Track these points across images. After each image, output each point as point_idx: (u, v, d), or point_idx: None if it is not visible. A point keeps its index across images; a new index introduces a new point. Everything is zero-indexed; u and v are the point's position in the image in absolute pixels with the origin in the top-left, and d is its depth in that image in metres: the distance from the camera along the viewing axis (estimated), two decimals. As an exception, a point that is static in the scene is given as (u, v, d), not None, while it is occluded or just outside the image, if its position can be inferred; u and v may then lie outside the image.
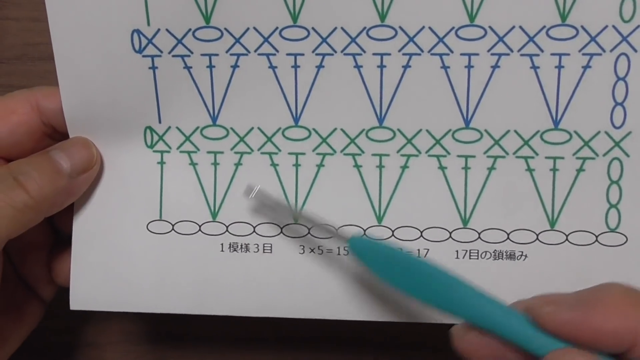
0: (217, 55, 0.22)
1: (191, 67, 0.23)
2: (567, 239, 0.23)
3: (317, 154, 0.23)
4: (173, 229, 0.24)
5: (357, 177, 0.23)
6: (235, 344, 0.31)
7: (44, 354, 0.31)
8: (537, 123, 0.22)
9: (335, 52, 0.22)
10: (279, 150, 0.23)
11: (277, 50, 0.22)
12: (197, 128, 0.23)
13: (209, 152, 0.23)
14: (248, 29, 0.22)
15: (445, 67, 0.22)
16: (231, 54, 0.22)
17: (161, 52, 0.22)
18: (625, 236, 0.22)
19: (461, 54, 0.22)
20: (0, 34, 0.29)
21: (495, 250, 0.23)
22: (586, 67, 0.22)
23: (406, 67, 0.22)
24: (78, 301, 0.24)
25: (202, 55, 0.22)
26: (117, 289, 0.24)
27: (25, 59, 0.29)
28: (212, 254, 0.24)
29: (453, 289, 0.19)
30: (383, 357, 0.30)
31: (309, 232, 0.23)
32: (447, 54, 0.22)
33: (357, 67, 0.22)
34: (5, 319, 0.24)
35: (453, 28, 0.22)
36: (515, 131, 0.22)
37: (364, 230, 0.23)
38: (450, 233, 0.23)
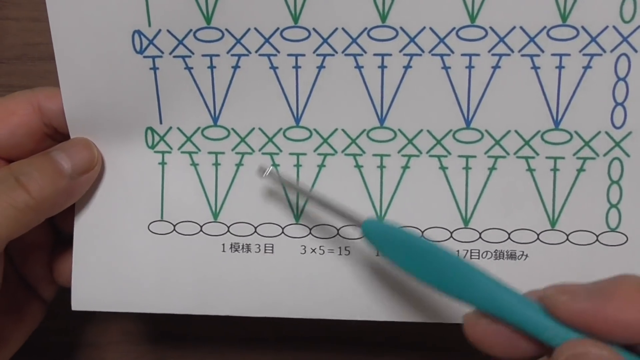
0: (218, 55, 0.23)
1: (192, 68, 0.23)
2: (567, 239, 0.23)
3: (318, 154, 0.23)
4: (174, 229, 0.24)
5: (358, 177, 0.23)
6: (235, 344, 0.31)
7: (44, 354, 0.31)
8: (538, 123, 0.22)
9: (336, 52, 0.22)
10: (280, 150, 0.23)
11: (278, 51, 0.22)
12: (198, 128, 0.23)
13: (210, 153, 0.24)
14: (249, 29, 0.22)
15: (446, 68, 0.22)
16: (232, 55, 0.22)
17: (162, 52, 0.23)
18: (626, 236, 0.23)
19: (462, 55, 0.22)
20: (0, 34, 0.29)
21: (496, 250, 0.23)
22: (587, 67, 0.22)
23: (407, 67, 0.22)
24: (80, 302, 0.24)
25: (203, 55, 0.23)
26: (118, 290, 0.24)
27: (25, 59, 0.29)
28: (214, 254, 0.24)
29: (466, 274, 0.19)
30: (383, 357, 0.30)
31: (310, 233, 0.24)
32: (448, 55, 0.22)
33: (358, 67, 0.22)
34: (7, 320, 0.25)
35: (454, 28, 0.22)
36: (516, 131, 0.22)
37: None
38: (451, 233, 0.23)
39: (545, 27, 0.21)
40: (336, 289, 0.23)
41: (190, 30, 0.22)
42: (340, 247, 0.23)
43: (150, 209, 0.24)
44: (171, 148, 0.24)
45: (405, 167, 0.23)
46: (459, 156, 0.23)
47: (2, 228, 0.21)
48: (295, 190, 0.23)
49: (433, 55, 0.22)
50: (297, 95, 0.23)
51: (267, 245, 0.24)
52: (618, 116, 0.22)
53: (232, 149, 0.23)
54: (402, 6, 0.22)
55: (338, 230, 0.23)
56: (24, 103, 0.23)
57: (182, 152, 0.24)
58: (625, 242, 0.23)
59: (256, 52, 0.22)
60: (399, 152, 0.23)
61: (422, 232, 0.23)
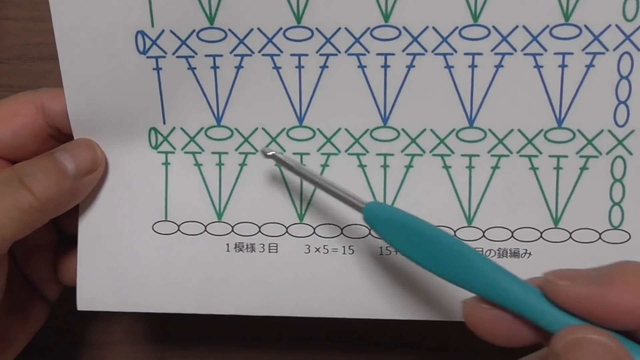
0: (221, 56, 0.23)
1: (195, 68, 0.23)
2: (570, 237, 0.23)
3: (322, 154, 0.23)
4: (179, 229, 0.24)
5: (361, 176, 0.23)
6: (235, 344, 0.31)
7: (45, 354, 0.31)
8: (541, 122, 0.22)
9: (339, 52, 0.22)
10: (284, 150, 0.23)
11: (281, 51, 0.23)
12: (202, 129, 0.24)
13: (213, 153, 0.24)
14: (252, 29, 0.22)
15: (449, 67, 0.22)
16: (235, 55, 0.23)
17: (165, 53, 0.23)
18: (629, 233, 0.23)
19: (465, 54, 0.22)
20: (0, 34, 0.29)
21: (499, 248, 0.23)
22: (589, 66, 0.22)
23: (410, 67, 0.22)
24: (85, 302, 0.24)
25: (206, 56, 0.23)
26: (123, 290, 0.24)
27: (25, 59, 0.29)
28: (218, 254, 0.24)
29: (466, 259, 0.19)
30: (383, 357, 0.30)
31: (314, 232, 0.24)
32: (451, 54, 0.22)
33: (361, 67, 0.23)
34: (11, 320, 0.25)
35: (457, 28, 0.22)
36: (519, 130, 0.23)
37: (369, 230, 0.23)
38: (455, 232, 0.23)
39: (548, 26, 0.22)
40: (340, 288, 0.24)
41: (194, 30, 0.22)
42: (344, 246, 0.24)
43: (154, 209, 0.24)
44: (175, 148, 0.24)
45: (409, 167, 0.23)
46: (462, 155, 0.23)
47: (6, 229, 0.21)
48: (297, 173, 0.22)
49: (436, 54, 0.22)
50: (300, 95, 0.23)
51: (271, 245, 0.24)
52: (621, 114, 0.22)
53: (236, 149, 0.24)
54: (405, 6, 0.22)
55: (342, 229, 0.24)
56: (27, 104, 0.23)
57: (185, 153, 0.24)
58: (628, 240, 0.23)
59: (259, 52, 0.23)
60: (402, 151, 0.23)
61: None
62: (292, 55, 0.23)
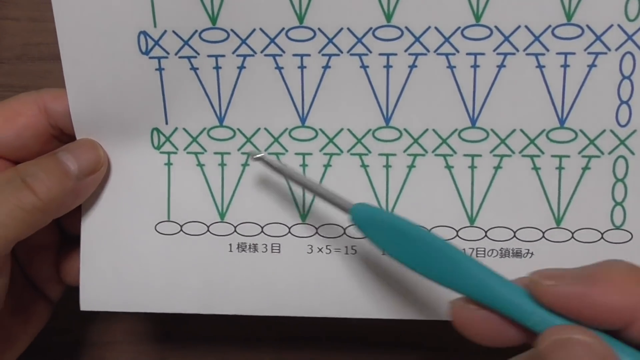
0: (223, 56, 0.23)
1: (198, 68, 0.23)
2: (572, 237, 0.23)
3: (324, 154, 0.24)
4: (181, 229, 0.24)
5: (364, 177, 0.24)
6: (235, 344, 0.31)
7: (46, 354, 0.31)
8: (543, 122, 0.23)
9: (342, 52, 0.23)
10: (286, 150, 0.24)
11: (284, 51, 0.23)
12: (204, 129, 0.24)
13: (215, 153, 0.24)
14: (254, 30, 0.23)
15: (451, 67, 0.22)
16: (237, 55, 0.23)
17: (168, 53, 0.23)
18: (631, 233, 0.23)
19: (467, 54, 0.22)
20: (0, 34, 0.29)
21: (501, 248, 0.23)
22: (592, 66, 0.22)
23: (412, 67, 0.23)
24: (88, 302, 0.25)
25: (208, 56, 0.23)
26: (126, 290, 0.24)
27: (25, 59, 0.30)
28: (221, 254, 0.24)
29: (452, 260, 0.19)
30: (383, 357, 0.31)
31: (316, 232, 0.24)
32: (453, 54, 0.22)
33: (364, 67, 0.23)
34: (14, 320, 0.25)
35: (459, 28, 0.22)
36: (521, 130, 0.23)
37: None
38: (457, 232, 0.24)
39: (550, 26, 0.22)
40: (343, 288, 0.24)
41: (196, 30, 0.23)
42: (346, 247, 0.24)
43: (156, 210, 0.24)
44: (177, 149, 0.24)
45: (411, 167, 0.23)
46: (465, 155, 0.23)
47: (10, 229, 0.21)
48: (283, 175, 0.22)
49: (438, 54, 0.22)
50: (302, 95, 0.23)
51: (273, 245, 0.24)
52: (623, 114, 0.22)
53: (238, 149, 0.24)
54: (407, 6, 0.22)
55: (344, 229, 0.24)
56: (30, 104, 0.23)
57: (188, 153, 0.24)
58: (630, 240, 0.23)
59: (262, 52, 0.23)
60: (404, 151, 0.23)
61: (429, 231, 0.23)
62: (294, 55, 0.23)
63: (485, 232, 0.23)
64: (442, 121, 0.23)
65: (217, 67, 0.23)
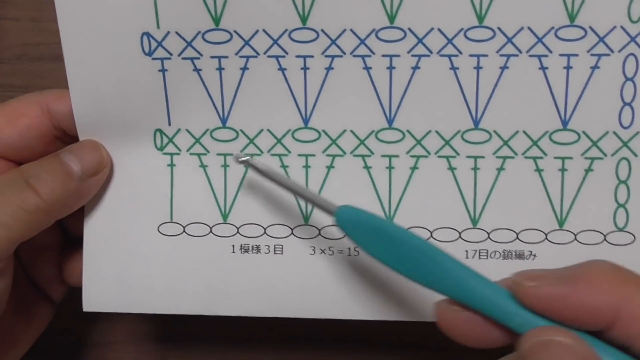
0: (226, 57, 0.23)
1: (201, 70, 0.23)
2: (575, 239, 0.23)
3: (327, 155, 0.24)
4: (184, 231, 0.25)
5: (366, 178, 0.24)
6: (235, 344, 0.31)
7: (45, 354, 0.31)
8: (546, 123, 0.23)
9: (345, 53, 0.23)
10: (289, 151, 0.24)
11: (287, 52, 0.23)
12: (207, 130, 0.24)
13: (218, 154, 0.24)
14: (257, 31, 0.23)
15: (454, 68, 0.23)
16: (241, 56, 0.23)
17: (171, 54, 0.23)
18: (633, 235, 0.23)
19: (470, 55, 0.23)
20: (0, 34, 0.30)
21: (504, 250, 0.24)
22: (594, 67, 0.22)
23: (415, 68, 0.23)
24: (90, 303, 0.25)
25: (211, 57, 0.23)
26: (129, 291, 0.25)
27: (25, 59, 0.30)
28: (224, 256, 0.24)
29: (436, 262, 0.19)
30: (383, 357, 0.31)
31: (319, 234, 0.24)
32: (456, 55, 0.23)
33: (367, 68, 0.23)
34: (16, 321, 0.25)
35: (462, 29, 0.22)
36: (524, 132, 0.23)
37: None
38: (460, 233, 0.24)
39: (553, 27, 0.22)
40: (346, 290, 0.24)
41: (199, 32, 0.23)
42: (349, 248, 0.24)
43: (159, 211, 0.25)
44: (180, 150, 0.24)
45: (414, 168, 0.24)
46: (468, 157, 0.23)
47: (13, 230, 0.21)
48: (268, 177, 0.23)
49: (441, 56, 0.23)
50: (305, 97, 0.23)
51: (276, 246, 0.24)
52: (626, 116, 0.23)
53: (241, 151, 0.24)
54: (410, 7, 0.22)
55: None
56: (33, 105, 0.24)
57: (190, 154, 0.24)
58: (632, 242, 0.23)
59: (265, 53, 0.23)
60: (407, 152, 0.24)
61: (431, 232, 0.24)
62: (297, 56, 0.23)
63: (488, 233, 0.24)
64: (445, 123, 0.23)
65: (220, 68, 0.23)
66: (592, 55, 0.22)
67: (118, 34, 0.23)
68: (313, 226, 0.24)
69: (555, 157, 0.23)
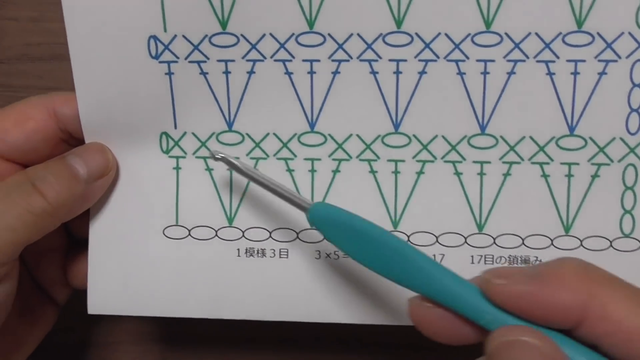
0: (233, 61, 0.24)
1: (207, 73, 0.24)
2: (581, 244, 0.24)
3: (333, 159, 0.25)
4: (189, 234, 0.25)
5: (372, 182, 0.24)
6: (235, 344, 0.32)
7: (47, 354, 0.32)
8: (553, 129, 0.23)
9: (351, 58, 0.24)
10: (295, 155, 0.25)
11: (293, 56, 0.24)
12: (213, 133, 0.25)
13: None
14: (264, 35, 0.23)
15: (461, 73, 0.23)
16: (247, 60, 0.24)
17: (177, 58, 0.24)
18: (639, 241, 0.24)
19: (477, 60, 0.23)
20: (0, 34, 0.30)
21: (510, 255, 0.24)
22: (602, 73, 0.23)
23: (422, 73, 0.23)
24: (95, 306, 0.25)
25: (218, 61, 0.24)
26: (133, 294, 0.25)
27: (25, 59, 0.30)
28: (229, 259, 0.25)
29: (407, 259, 0.19)
30: (382, 357, 0.31)
31: (325, 237, 0.25)
32: (463, 60, 0.23)
33: (373, 73, 0.24)
34: (21, 323, 0.26)
35: (469, 34, 0.23)
36: (531, 137, 0.24)
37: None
38: (466, 238, 0.24)
39: (560, 33, 0.23)
40: (351, 294, 0.25)
41: (206, 35, 0.23)
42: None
43: (165, 214, 0.25)
44: (186, 153, 0.25)
45: (420, 173, 0.24)
46: (474, 162, 0.24)
47: (19, 233, 0.22)
48: (244, 175, 0.23)
49: (448, 61, 0.23)
50: (311, 101, 0.24)
51: (282, 250, 0.25)
52: (633, 122, 0.23)
53: (247, 154, 0.25)
54: (418, 12, 0.23)
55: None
56: (39, 108, 0.24)
57: (196, 157, 0.25)
58: (639, 248, 0.24)
59: (271, 57, 0.24)
60: (413, 157, 0.24)
61: (437, 237, 0.24)
62: (304, 60, 0.24)
63: (494, 239, 0.24)
64: (452, 128, 0.24)
65: (227, 72, 0.24)
66: (599, 61, 0.23)
67: (125, 37, 0.23)
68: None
69: (562, 163, 0.24)
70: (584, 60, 0.23)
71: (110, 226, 0.25)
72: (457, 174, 0.24)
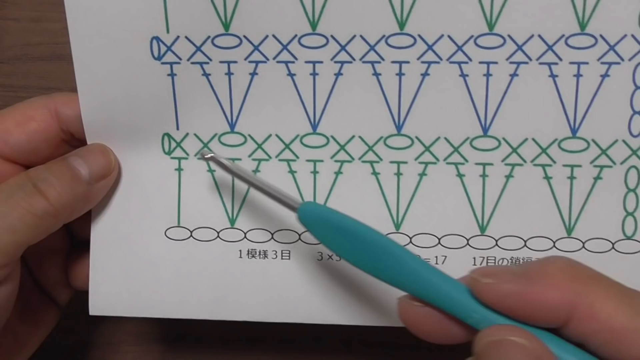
0: (235, 62, 0.24)
1: (210, 74, 0.24)
2: (583, 247, 0.24)
3: (335, 161, 0.25)
4: (191, 235, 0.25)
5: (375, 184, 0.25)
6: (235, 344, 0.32)
7: (45, 355, 0.32)
8: (555, 131, 0.24)
9: (354, 59, 0.24)
10: (297, 157, 0.25)
11: (296, 58, 0.24)
12: (215, 135, 0.25)
13: (226, 159, 0.25)
14: (267, 36, 0.24)
15: (463, 75, 0.24)
16: (250, 62, 0.24)
17: (180, 59, 0.24)
18: (642, 244, 0.24)
19: (480, 62, 0.23)
20: (0, 34, 0.30)
21: (512, 257, 0.24)
22: (604, 75, 0.23)
23: (425, 75, 0.24)
24: (97, 307, 0.26)
25: (220, 62, 0.24)
26: (135, 295, 0.25)
27: (25, 59, 0.31)
28: (231, 261, 0.25)
29: (396, 258, 0.20)
30: (383, 357, 0.32)
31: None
32: (466, 62, 0.23)
33: (376, 74, 0.24)
34: (22, 324, 0.26)
35: (472, 36, 0.23)
36: (533, 139, 0.24)
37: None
38: (468, 240, 0.25)
39: (563, 35, 0.23)
40: (353, 296, 0.25)
41: (209, 36, 0.24)
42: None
43: (167, 215, 0.25)
44: (188, 154, 0.25)
45: (423, 174, 0.24)
46: (476, 164, 0.24)
47: (21, 234, 0.22)
48: (233, 174, 0.23)
49: (451, 63, 0.23)
50: (314, 102, 0.24)
51: (283, 252, 0.25)
52: (636, 124, 0.23)
53: (249, 156, 0.25)
54: (421, 14, 0.23)
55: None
56: (41, 109, 0.24)
57: (198, 159, 0.25)
58: (641, 250, 0.24)
59: (274, 59, 0.24)
60: (416, 159, 0.24)
61: (439, 239, 0.25)
62: (306, 62, 0.24)
63: (496, 240, 0.25)
64: (454, 129, 0.24)
65: (229, 73, 0.24)
66: (602, 63, 0.23)
67: (127, 38, 0.24)
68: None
69: (564, 165, 0.24)
70: (586, 63, 0.23)
71: (112, 227, 0.26)
72: (460, 175, 0.24)
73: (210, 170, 0.25)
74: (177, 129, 0.25)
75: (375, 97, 0.24)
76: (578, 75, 0.23)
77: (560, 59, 0.23)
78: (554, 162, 0.24)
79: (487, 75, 0.24)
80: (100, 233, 0.26)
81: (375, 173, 0.25)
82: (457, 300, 0.19)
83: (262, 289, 0.25)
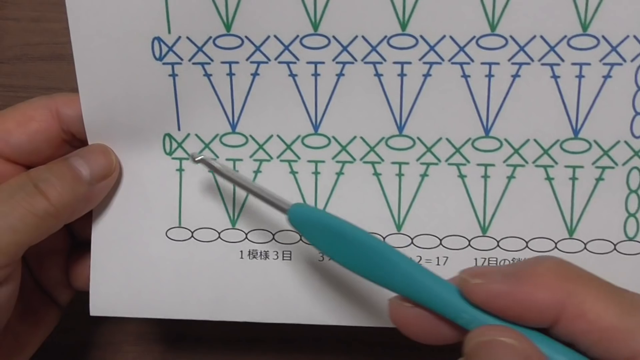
0: (237, 63, 0.24)
1: (211, 75, 0.24)
2: (585, 248, 0.24)
3: (337, 161, 0.25)
4: (192, 236, 0.25)
5: (376, 185, 0.25)
6: (235, 344, 0.32)
7: (46, 355, 0.32)
8: (557, 132, 0.24)
9: (356, 60, 0.24)
10: (299, 158, 0.25)
11: (298, 59, 0.24)
12: (217, 135, 0.25)
13: (227, 160, 0.25)
14: (269, 37, 0.24)
15: (465, 76, 0.24)
16: (251, 62, 0.24)
17: (181, 59, 0.24)
18: (644, 245, 0.24)
19: (482, 63, 0.23)
20: (0, 34, 0.30)
21: (513, 258, 0.25)
22: (607, 76, 0.23)
23: (427, 75, 0.24)
24: (98, 307, 0.26)
25: (222, 62, 0.24)
26: (136, 295, 0.25)
27: (25, 59, 0.31)
28: (232, 261, 0.25)
29: (386, 259, 0.20)
30: (383, 357, 0.32)
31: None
32: (468, 63, 0.23)
33: (378, 75, 0.24)
34: (23, 325, 0.26)
35: (474, 37, 0.23)
36: (535, 140, 0.24)
37: (383, 238, 0.25)
38: (470, 241, 0.25)
39: (565, 36, 0.23)
40: (355, 297, 0.25)
41: (210, 37, 0.24)
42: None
43: (168, 216, 0.25)
44: (189, 155, 0.25)
45: (424, 175, 0.25)
46: (478, 164, 0.24)
47: (22, 234, 0.22)
48: (223, 176, 0.23)
49: (453, 63, 0.23)
50: (316, 103, 0.24)
51: (285, 253, 0.25)
52: (638, 126, 0.23)
53: (250, 156, 0.25)
54: (423, 15, 0.23)
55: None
56: (42, 109, 0.24)
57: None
58: (643, 251, 0.24)
59: (275, 59, 0.24)
60: (417, 160, 0.25)
61: (441, 240, 0.25)
62: (308, 62, 0.24)
63: (498, 242, 0.25)
64: (456, 130, 0.24)
65: (231, 74, 0.24)
66: (604, 64, 0.23)
67: (129, 39, 0.24)
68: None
69: (566, 166, 0.24)
70: (588, 64, 0.23)
71: (113, 228, 0.26)
72: (461, 176, 0.25)
73: (212, 171, 0.25)
74: (179, 129, 0.25)
75: (377, 97, 0.24)
76: (580, 76, 0.23)
77: (563, 60, 0.23)
78: (556, 163, 0.24)
79: (489, 76, 0.24)
80: (101, 233, 0.26)
81: (376, 174, 0.25)
82: (446, 301, 0.19)
83: (263, 289, 0.25)
